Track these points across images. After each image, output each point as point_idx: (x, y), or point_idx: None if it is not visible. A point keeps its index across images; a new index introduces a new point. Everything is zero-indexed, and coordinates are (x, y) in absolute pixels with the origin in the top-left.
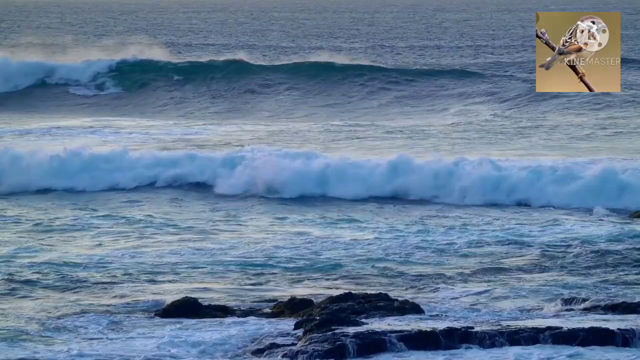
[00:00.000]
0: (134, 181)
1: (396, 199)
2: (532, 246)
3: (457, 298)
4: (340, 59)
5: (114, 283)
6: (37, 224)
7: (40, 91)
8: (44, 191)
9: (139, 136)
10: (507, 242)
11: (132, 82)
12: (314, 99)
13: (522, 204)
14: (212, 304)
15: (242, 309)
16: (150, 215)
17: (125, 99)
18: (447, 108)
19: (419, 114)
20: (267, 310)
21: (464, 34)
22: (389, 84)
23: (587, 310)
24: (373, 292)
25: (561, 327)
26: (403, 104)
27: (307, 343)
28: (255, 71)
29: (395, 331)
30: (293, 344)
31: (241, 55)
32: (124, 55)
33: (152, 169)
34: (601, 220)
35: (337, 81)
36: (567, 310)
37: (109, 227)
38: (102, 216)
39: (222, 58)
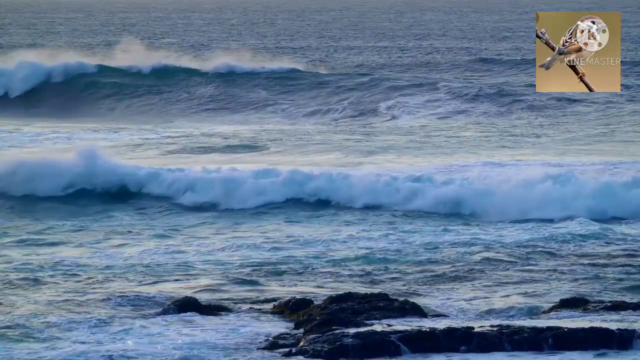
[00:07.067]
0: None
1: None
2: (532, 247)
3: (457, 298)
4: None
5: (114, 283)
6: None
7: None
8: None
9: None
10: (507, 243)
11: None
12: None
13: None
14: (212, 303)
15: (242, 308)
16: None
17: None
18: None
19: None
20: (267, 310)
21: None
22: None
23: (587, 310)
24: (373, 292)
25: (561, 327)
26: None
27: (307, 343)
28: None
29: (396, 331)
30: (293, 344)
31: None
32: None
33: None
34: (602, 221)
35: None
36: (567, 310)
37: (108, 228)
38: (100, 217)
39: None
